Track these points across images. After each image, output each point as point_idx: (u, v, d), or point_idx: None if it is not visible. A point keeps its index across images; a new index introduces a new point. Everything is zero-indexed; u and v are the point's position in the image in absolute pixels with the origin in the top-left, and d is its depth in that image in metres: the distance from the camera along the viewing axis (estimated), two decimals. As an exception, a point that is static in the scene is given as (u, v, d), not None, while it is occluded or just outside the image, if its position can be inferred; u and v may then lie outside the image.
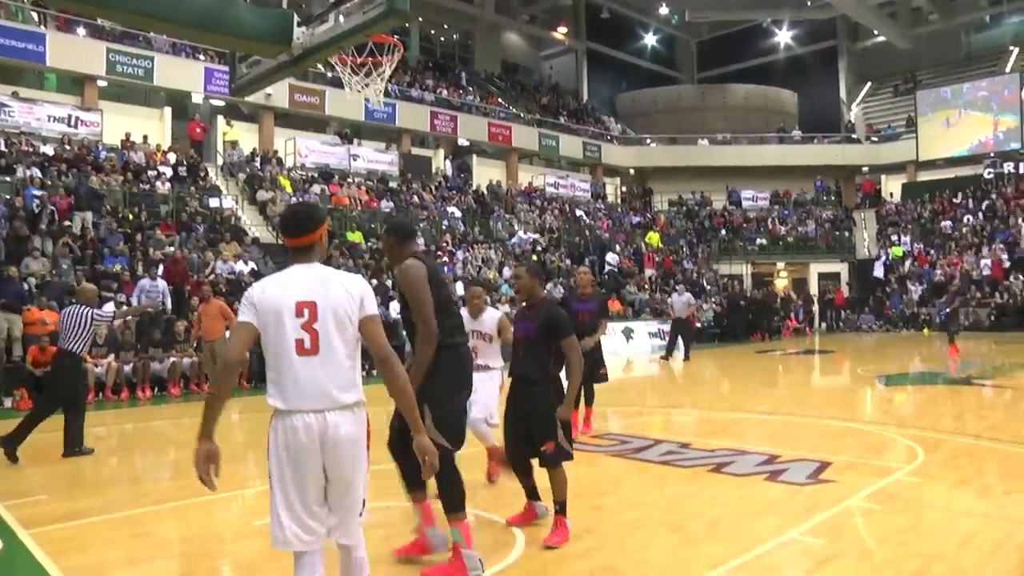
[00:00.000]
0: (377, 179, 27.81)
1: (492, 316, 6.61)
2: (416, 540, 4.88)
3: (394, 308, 18.96)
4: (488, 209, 29.60)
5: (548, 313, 5.22)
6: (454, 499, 4.57)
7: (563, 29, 43.56)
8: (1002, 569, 4.50)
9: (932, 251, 32.86)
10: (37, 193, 17.49)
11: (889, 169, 39.75)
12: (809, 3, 40.98)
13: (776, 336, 28.72)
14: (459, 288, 18.19)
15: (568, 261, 27.09)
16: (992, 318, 28.03)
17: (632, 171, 40.15)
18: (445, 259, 22.88)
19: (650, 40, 47.73)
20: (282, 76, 9.42)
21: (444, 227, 26.04)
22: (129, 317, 13.55)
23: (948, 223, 34.15)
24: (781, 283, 34.85)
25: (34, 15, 23.13)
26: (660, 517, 5.72)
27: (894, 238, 34.79)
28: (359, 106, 27.09)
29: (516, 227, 28.99)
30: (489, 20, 40.25)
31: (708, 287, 31.06)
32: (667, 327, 22.45)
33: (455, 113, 32.15)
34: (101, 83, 23.48)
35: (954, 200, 35.16)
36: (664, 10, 44.44)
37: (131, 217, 19.06)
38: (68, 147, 20.72)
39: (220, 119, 25.99)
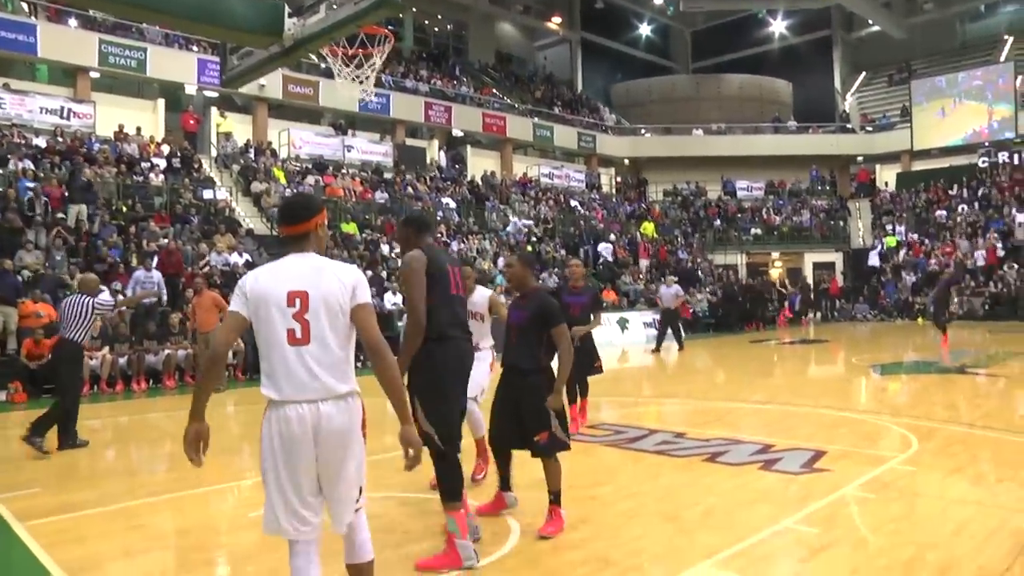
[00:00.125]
0: (371, 170, 27.74)
1: (483, 295, 6.49)
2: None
3: (388, 299, 18.99)
4: (483, 200, 29.55)
5: (540, 302, 5.23)
6: (450, 489, 4.58)
7: (557, 19, 43.44)
8: (995, 556, 4.51)
9: (927, 240, 32.90)
10: (30, 185, 17.41)
11: (884, 159, 39.76)
12: (803, -8, 41.02)
13: (771, 326, 28.76)
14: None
15: (563, 252, 27.09)
16: (986, 307, 28.09)
17: (627, 161, 40.15)
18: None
19: (644, 30, 47.65)
20: (274, 67, 9.40)
21: (439, 218, 26.00)
22: (124, 308, 13.53)
23: (943, 212, 34.19)
24: (776, 272, 34.86)
25: (24, 5, 23.02)
26: (655, 507, 5.73)
27: (889, 228, 34.81)
28: (353, 97, 26.97)
29: (511, 217, 28.96)
30: (483, 10, 40.12)
31: (703, 277, 31.08)
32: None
33: (449, 104, 32.06)
34: (94, 74, 23.36)
35: (950, 192, 35.17)
36: (658, 0, 44.38)
37: (125, 209, 19.00)
38: (61, 139, 20.62)
39: (214, 110, 25.88)
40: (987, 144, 36.37)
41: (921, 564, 4.42)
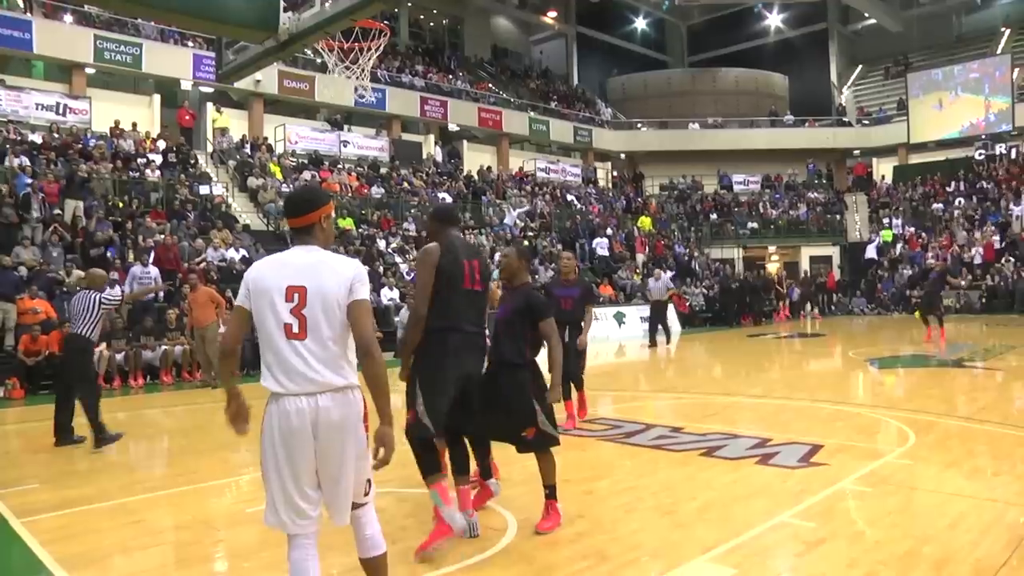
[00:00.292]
0: (368, 165, 27.71)
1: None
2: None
3: (385, 294, 18.99)
4: (479, 194, 29.52)
5: (526, 295, 5.29)
6: (427, 465, 4.76)
7: (553, 13, 43.36)
8: (992, 550, 4.52)
9: (924, 234, 32.92)
10: (28, 181, 17.38)
11: (880, 152, 39.79)
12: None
13: (768, 320, 28.78)
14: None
15: (560, 246, 27.07)
16: (983, 300, 28.14)
17: (623, 156, 40.12)
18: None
19: (640, 24, 47.56)
20: (269, 62, 9.38)
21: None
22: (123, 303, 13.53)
23: (940, 206, 34.22)
24: (773, 267, 34.88)
25: (20, 2, 22.93)
26: (652, 501, 5.74)
27: (886, 221, 34.82)
28: (349, 92, 26.96)
29: (506, 210, 28.94)
30: (478, 5, 40.07)
31: (699, 271, 31.08)
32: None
33: (445, 98, 32.02)
34: (89, 70, 23.31)
35: (947, 189, 35.19)
36: (654, -6, 44.36)
37: (121, 205, 18.97)
38: (57, 135, 20.58)
39: (209, 106, 25.85)
40: (984, 137, 36.44)
41: (918, 558, 4.43)
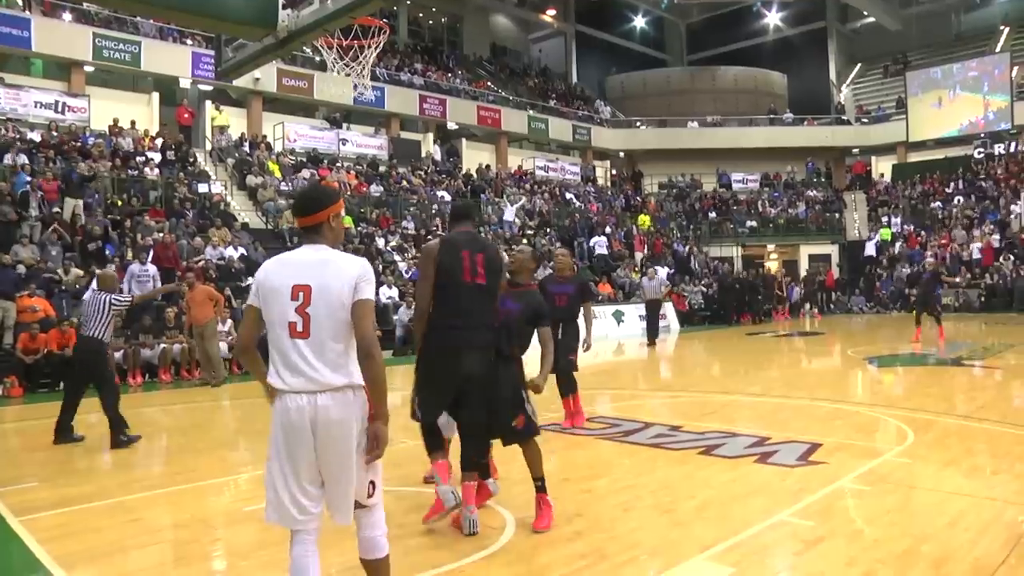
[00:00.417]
0: (366, 163, 27.69)
1: None
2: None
3: (384, 292, 18.99)
4: (478, 193, 29.50)
5: (534, 301, 5.46)
6: (429, 445, 5.05)
7: (552, 12, 43.31)
8: (991, 548, 4.52)
9: (923, 232, 32.92)
10: (27, 179, 17.36)
11: (879, 150, 39.76)
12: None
13: (767, 318, 28.79)
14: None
15: (558, 244, 27.05)
16: (982, 299, 28.15)
17: (622, 154, 40.10)
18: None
19: (639, 22, 47.48)
20: (268, 59, 9.37)
21: (434, 211, 25.97)
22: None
23: (938, 204, 34.22)
24: (773, 265, 34.87)
25: (18, 0, 22.91)
26: (650, 500, 5.73)
27: (884, 219, 34.82)
28: (348, 90, 26.95)
29: (504, 207, 28.93)
30: (477, 3, 40.04)
31: (698, 269, 31.07)
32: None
33: (444, 97, 32.00)
34: (88, 68, 23.29)
35: (946, 188, 35.18)
36: (653, -8, 44.33)
37: (119, 203, 18.95)
38: (55, 133, 20.56)
39: (208, 104, 25.82)
40: (983, 135, 36.43)
41: (916, 556, 4.43)
